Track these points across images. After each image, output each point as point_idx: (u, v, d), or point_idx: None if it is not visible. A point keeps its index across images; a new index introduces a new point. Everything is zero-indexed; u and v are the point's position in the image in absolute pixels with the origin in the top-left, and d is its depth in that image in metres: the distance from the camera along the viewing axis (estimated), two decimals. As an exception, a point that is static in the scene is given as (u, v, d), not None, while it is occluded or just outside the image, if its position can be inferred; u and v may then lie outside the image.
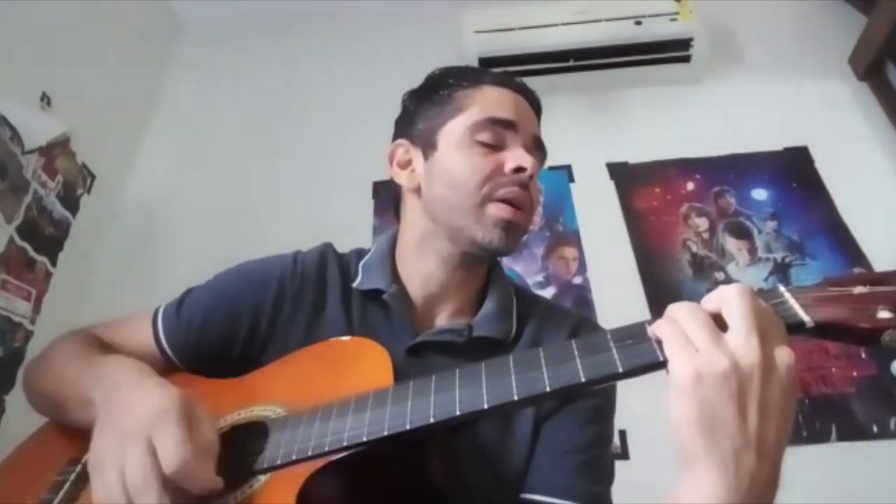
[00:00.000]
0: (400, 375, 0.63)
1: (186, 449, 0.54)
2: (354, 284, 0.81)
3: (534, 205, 0.79)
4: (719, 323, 0.49)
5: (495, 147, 0.77)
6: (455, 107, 0.80)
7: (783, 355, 0.47)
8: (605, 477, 0.74)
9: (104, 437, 0.58)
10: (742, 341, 0.46)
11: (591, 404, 0.75)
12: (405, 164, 0.83)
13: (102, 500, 0.54)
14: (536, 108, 0.86)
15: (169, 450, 0.54)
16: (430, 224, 0.79)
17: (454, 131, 0.79)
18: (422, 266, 0.80)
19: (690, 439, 0.46)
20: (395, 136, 0.87)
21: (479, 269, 0.83)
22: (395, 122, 0.89)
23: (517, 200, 0.76)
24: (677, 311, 0.50)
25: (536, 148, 0.81)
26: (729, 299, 0.48)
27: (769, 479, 0.46)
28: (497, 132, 0.78)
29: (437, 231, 0.79)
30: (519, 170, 0.75)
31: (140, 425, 0.56)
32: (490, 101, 0.80)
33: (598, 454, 0.74)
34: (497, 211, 0.75)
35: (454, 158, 0.78)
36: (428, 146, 0.81)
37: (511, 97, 0.81)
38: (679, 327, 0.49)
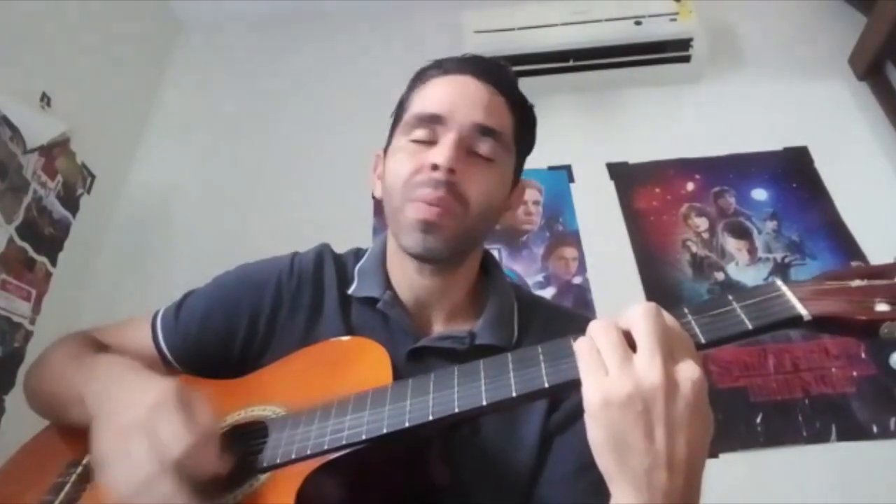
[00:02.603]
0: (400, 378, 0.63)
1: (189, 433, 0.55)
2: (350, 291, 0.80)
3: (462, 203, 0.72)
4: (633, 340, 0.50)
5: (429, 143, 0.73)
6: (403, 109, 0.79)
7: (687, 372, 0.48)
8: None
9: (103, 435, 0.58)
10: (646, 363, 0.47)
11: None
12: (382, 175, 0.81)
13: (118, 496, 0.55)
14: (499, 84, 0.78)
15: (172, 436, 0.54)
16: None
17: (396, 135, 0.78)
18: (404, 273, 0.79)
19: (604, 462, 0.49)
20: None
21: (453, 272, 0.79)
22: None
23: (429, 200, 0.70)
24: (594, 330, 0.51)
25: (483, 135, 0.74)
26: (634, 321, 0.49)
27: (684, 493, 0.47)
28: (429, 128, 0.74)
29: None
30: (433, 167, 0.70)
31: (139, 418, 0.56)
32: (424, 96, 0.76)
33: None
34: (411, 212, 0.71)
35: (390, 162, 0.76)
36: (387, 153, 0.80)
37: (447, 87, 0.76)
38: (594, 347, 0.50)
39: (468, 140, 0.73)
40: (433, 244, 0.71)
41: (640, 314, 0.49)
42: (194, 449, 0.55)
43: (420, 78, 0.80)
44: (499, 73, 0.79)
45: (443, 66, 0.78)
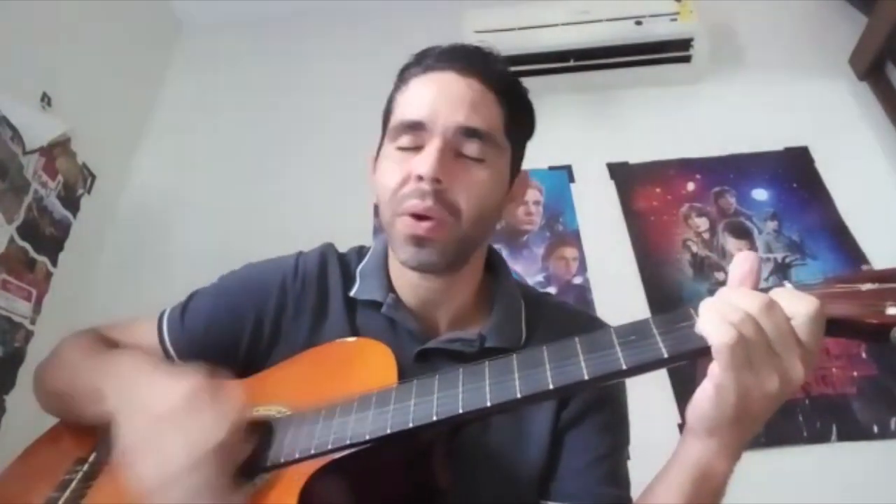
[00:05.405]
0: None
1: (222, 427, 0.56)
2: (352, 293, 0.79)
3: (453, 211, 0.69)
4: None
5: (415, 149, 0.70)
6: (389, 112, 0.76)
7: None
8: (626, 481, 0.74)
9: (132, 426, 0.59)
10: (810, 364, 0.50)
11: (612, 409, 0.75)
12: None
13: (148, 487, 0.55)
14: (483, 76, 0.73)
15: (206, 431, 0.56)
16: None
17: (385, 141, 0.76)
18: (406, 277, 0.77)
19: (725, 423, 0.53)
20: None
21: (456, 276, 0.76)
22: None
23: (418, 213, 0.68)
24: (766, 317, 0.50)
25: (468, 136, 0.70)
26: (802, 319, 0.49)
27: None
28: (413, 134, 0.71)
29: None
30: (418, 178, 0.68)
31: (171, 410, 0.57)
32: (406, 100, 0.74)
33: (619, 459, 0.74)
34: (401, 226, 0.69)
35: (378, 171, 0.75)
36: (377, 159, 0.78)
37: (427, 88, 0.72)
38: (759, 329, 0.50)
39: (454, 143, 0.70)
40: (428, 257, 0.70)
41: (810, 318, 0.49)
42: (227, 442, 0.56)
43: (402, 77, 0.77)
44: (483, 63, 0.74)
45: (423, 63, 0.75)
